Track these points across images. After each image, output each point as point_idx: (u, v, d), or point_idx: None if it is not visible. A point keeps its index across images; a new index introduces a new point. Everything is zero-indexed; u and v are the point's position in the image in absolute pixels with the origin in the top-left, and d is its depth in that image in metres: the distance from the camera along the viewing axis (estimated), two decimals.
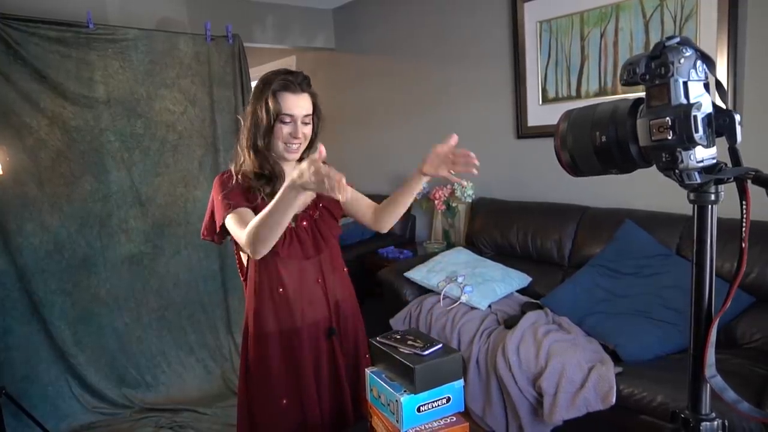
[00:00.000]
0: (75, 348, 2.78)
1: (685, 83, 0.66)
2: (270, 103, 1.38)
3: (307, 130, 1.45)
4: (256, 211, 1.41)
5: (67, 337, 2.75)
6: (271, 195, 1.43)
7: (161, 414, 2.76)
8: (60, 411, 2.70)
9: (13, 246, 2.60)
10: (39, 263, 2.67)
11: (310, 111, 1.44)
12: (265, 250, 1.31)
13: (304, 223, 1.49)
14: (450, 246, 3.47)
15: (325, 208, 1.54)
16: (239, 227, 1.35)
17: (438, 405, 1.21)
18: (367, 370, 1.31)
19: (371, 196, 4.65)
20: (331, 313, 1.53)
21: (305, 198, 1.35)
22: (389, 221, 1.58)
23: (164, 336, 3.04)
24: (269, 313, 1.49)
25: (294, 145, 1.43)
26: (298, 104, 1.41)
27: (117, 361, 2.90)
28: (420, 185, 1.47)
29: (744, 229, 0.71)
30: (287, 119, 1.40)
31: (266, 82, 1.41)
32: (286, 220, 1.27)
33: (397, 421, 1.18)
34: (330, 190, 1.09)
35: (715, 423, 0.78)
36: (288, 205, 1.21)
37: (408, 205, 1.54)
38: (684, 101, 0.66)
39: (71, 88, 2.70)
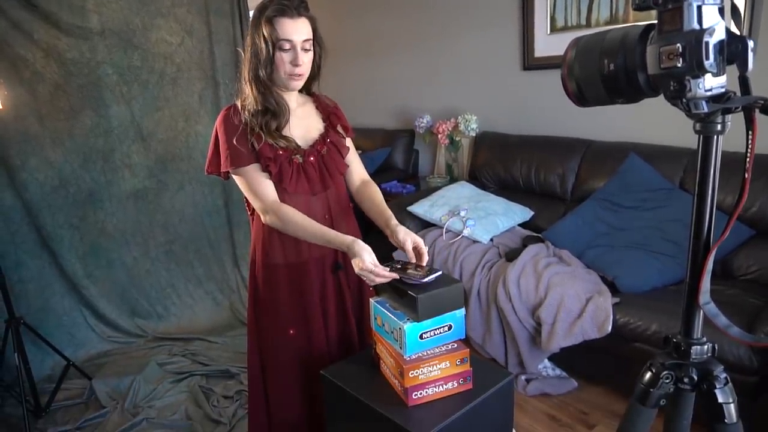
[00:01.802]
0: (86, 280, 2.85)
1: (699, 7, 0.64)
2: (266, 30, 1.34)
3: (308, 57, 1.41)
4: (260, 159, 1.42)
5: (78, 270, 2.82)
6: (277, 131, 1.43)
7: (174, 343, 2.88)
8: (76, 339, 2.81)
9: (18, 181, 2.61)
10: (45, 198, 2.69)
11: (309, 36, 1.39)
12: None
13: (312, 158, 1.48)
14: (453, 180, 3.47)
15: (332, 143, 1.53)
16: (249, 191, 1.45)
17: (440, 332, 1.25)
18: (372, 300, 1.35)
19: (373, 130, 4.56)
20: (337, 249, 1.55)
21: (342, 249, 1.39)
22: (362, 208, 1.62)
23: (172, 269, 3.11)
24: (276, 247, 1.51)
25: (296, 74, 1.39)
26: (296, 29, 1.36)
27: (128, 293, 2.99)
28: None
29: (748, 159, 0.71)
30: (286, 45, 1.36)
31: (261, 9, 1.36)
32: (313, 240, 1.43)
33: (401, 347, 1.23)
34: (365, 271, 1.29)
35: (705, 347, 0.82)
36: (328, 245, 1.39)
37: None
38: (697, 26, 0.64)
39: (64, 18, 2.61)
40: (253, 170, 1.44)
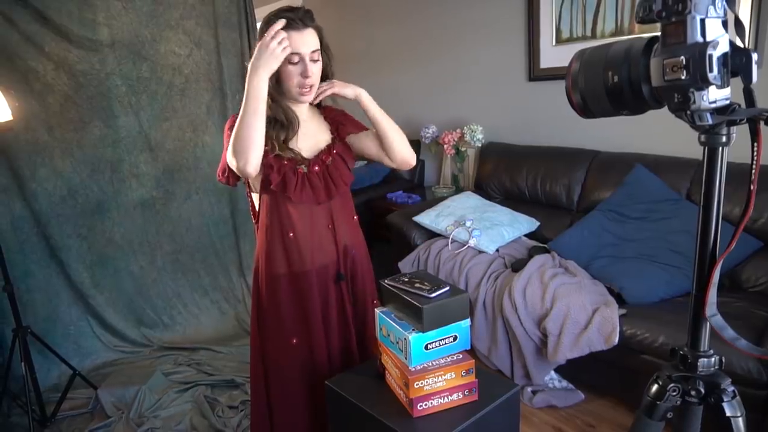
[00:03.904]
0: (93, 290, 2.86)
1: (702, 20, 0.64)
2: None
3: (317, 68, 1.42)
4: (265, 159, 1.42)
5: (85, 280, 2.84)
6: (285, 142, 1.44)
7: (179, 352, 2.88)
8: (83, 349, 2.82)
9: (28, 191, 2.64)
10: (54, 208, 2.71)
11: (317, 46, 1.40)
12: (248, 164, 1.34)
13: (316, 168, 1.49)
14: (459, 190, 3.48)
15: (338, 154, 1.53)
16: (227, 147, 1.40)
17: (445, 343, 1.25)
18: (377, 310, 1.35)
19: None
20: (339, 259, 1.55)
21: (265, 82, 1.31)
22: (392, 152, 1.51)
23: (179, 279, 3.12)
24: (279, 256, 1.52)
25: (307, 85, 1.40)
26: (304, 41, 1.37)
27: (134, 303, 3.00)
28: (362, 104, 1.46)
29: (754, 171, 0.71)
30: (295, 59, 1.37)
31: (268, 23, 1.37)
32: (259, 121, 1.32)
33: (406, 358, 1.22)
34: (274, 51, 1.26)
35: (712, 359, 0.81)
36: (255, 96, 1.29)
37: (386, 128, 1.48)
38: (700, 39, 0.64)
39: (75, 31, 2.65)
40: None
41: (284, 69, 1.38)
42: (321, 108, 1.61)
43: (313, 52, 1.39)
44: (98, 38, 2.72)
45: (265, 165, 1.43)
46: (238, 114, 1.47)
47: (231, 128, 1.45)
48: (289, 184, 1.44)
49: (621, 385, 2.19)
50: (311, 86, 1.42)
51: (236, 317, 3.18)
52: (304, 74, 1.39)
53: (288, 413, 1.59)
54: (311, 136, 1.53)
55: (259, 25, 1.48)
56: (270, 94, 1.41)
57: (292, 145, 1.47)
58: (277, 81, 1.42)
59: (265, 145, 1.42)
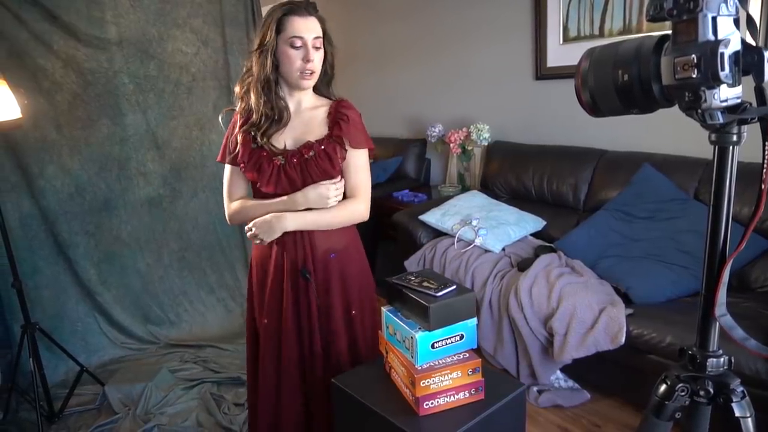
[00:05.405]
0: (101, 287, 2.88)
1: (714, 18, 0.64)
2: (278, 29, 1.38)
3: (319, 56, 1.42)
4: (250, 159, 1.45)
5: (93, 277, 2.85)
6: (268, 137, 1.45)
7: (185, 350, 2.89)
8: (90, 346, 2.84)
9: (36, 189, 2.65)
10: (62, 205, 2.73)
11: (319, 34, 1.41)
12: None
13: (295, 160, 1.45)
14: (465, 189, 3.47)
15: (325, 151, 1.45)
16: (227, 187, 1.58)
17: (451, 342, 1.25)
18: (384, 309, 1.35)
19: (386, 139, 4.59)
20: (306, 256, 1.50)
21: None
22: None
23: (185, 276, 3.14)
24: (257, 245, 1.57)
25: (308, 70, 1.40)
26: (307, 26, 1.38)
27: (141, 300, 3.01)
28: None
29: (764, 170, 0.70)
30: (298, 42, 1.38)
31: (271, 12, 1.40)
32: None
33: (412, 356, 1.22)
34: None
35: (721, 359, 0.81)
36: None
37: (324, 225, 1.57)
38: (711, 38, 0.64)
39: (83, 29, 2.66)
40: (234, 170, 1.54)
41: (286, 52, 1.39)
42: (333, 101, 1.53)
43: (316, 38, 1.40)
44: (106, 36, 2.74)
45: (241, 161, 1.47)
46: (238, 112, 1.51)
47: (234, 125, 1.50)
48: (263, 175, 1.45)
49: (627, 385, 2.19)
50: (312, 72, 1.42)
51: (242, 315, 3.19)
52: (306, 59, 1.39)
53: (264, 398, 1.60)
54: (301, 126, 1.49)
55: None
56: (265, 86, 1.42)
57: (276, 136, 1.46)
58: (278, 67, 1.42)
59: (246, 135, 1.47)
